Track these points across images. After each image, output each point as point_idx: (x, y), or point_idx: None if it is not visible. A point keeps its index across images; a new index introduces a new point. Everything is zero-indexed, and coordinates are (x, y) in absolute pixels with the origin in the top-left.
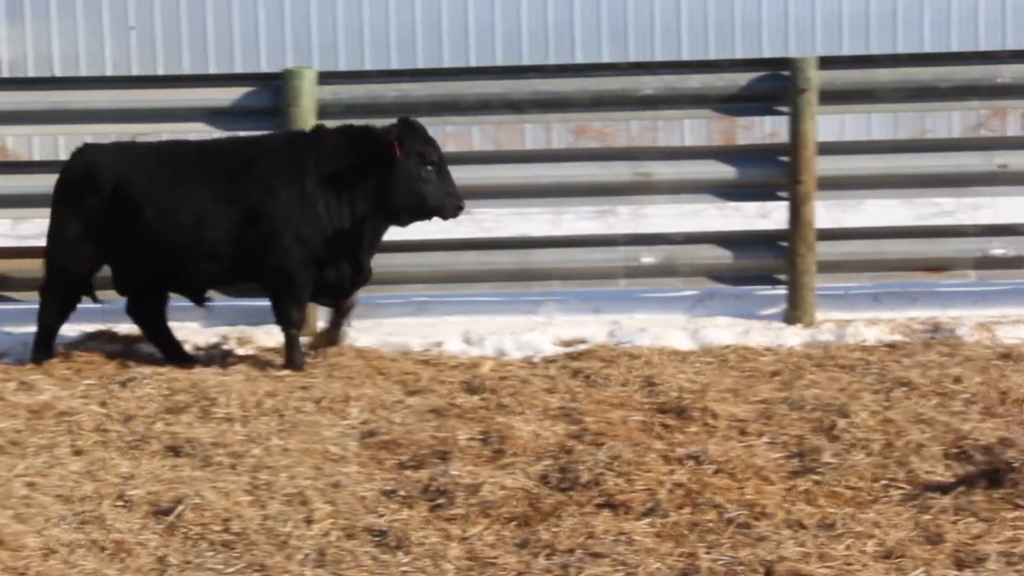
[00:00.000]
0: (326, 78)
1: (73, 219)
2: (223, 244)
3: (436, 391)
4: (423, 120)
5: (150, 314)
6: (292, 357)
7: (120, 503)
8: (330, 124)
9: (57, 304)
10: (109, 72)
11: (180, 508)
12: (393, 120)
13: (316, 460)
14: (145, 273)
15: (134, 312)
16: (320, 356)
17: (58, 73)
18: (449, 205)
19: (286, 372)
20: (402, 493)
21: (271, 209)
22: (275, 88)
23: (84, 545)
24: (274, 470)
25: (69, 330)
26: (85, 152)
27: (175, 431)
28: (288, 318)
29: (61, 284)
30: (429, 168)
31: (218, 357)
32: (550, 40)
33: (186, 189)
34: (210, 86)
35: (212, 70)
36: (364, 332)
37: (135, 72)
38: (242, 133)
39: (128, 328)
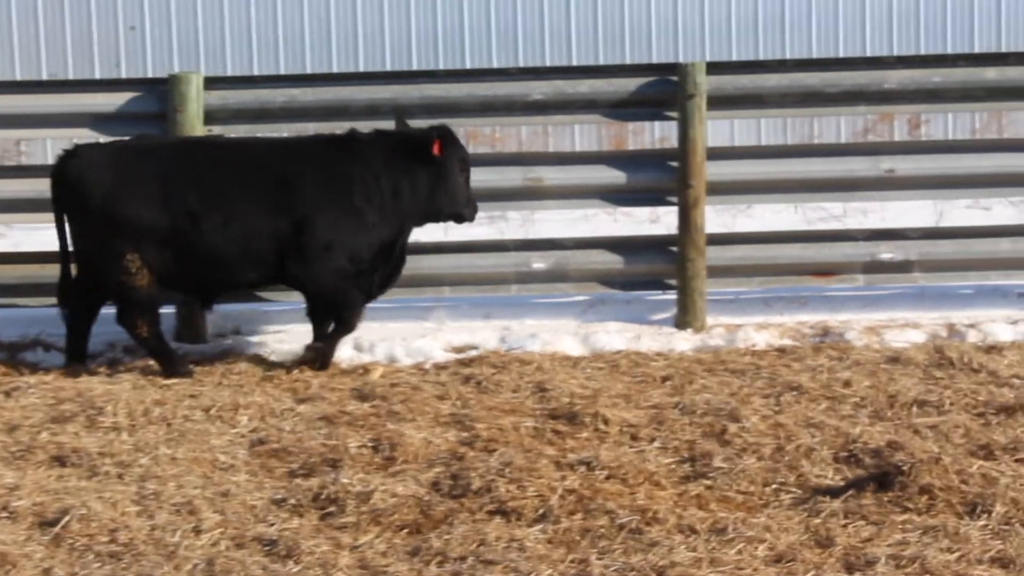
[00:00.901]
0: (213, 83)
1: None
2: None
3: (326, 398)
4: (311, 126)
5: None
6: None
7: (5, 514)
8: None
9: None
10: None
11: (66, 519)
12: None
13: (205, 469)
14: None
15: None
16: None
17: None
18: (472, 210)
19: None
20: (292, 502)
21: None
22: (161, 93)
23: None
24: (162, 479)
25: None
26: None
27: (61, 441)
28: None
29: None
30: (464, 174)
31: (105, 365)
32: (440, 44)
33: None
34: (95, 91)
35: (97, 75)
36: (253, 339)
37: (18, 77)
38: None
39: (10, 335)
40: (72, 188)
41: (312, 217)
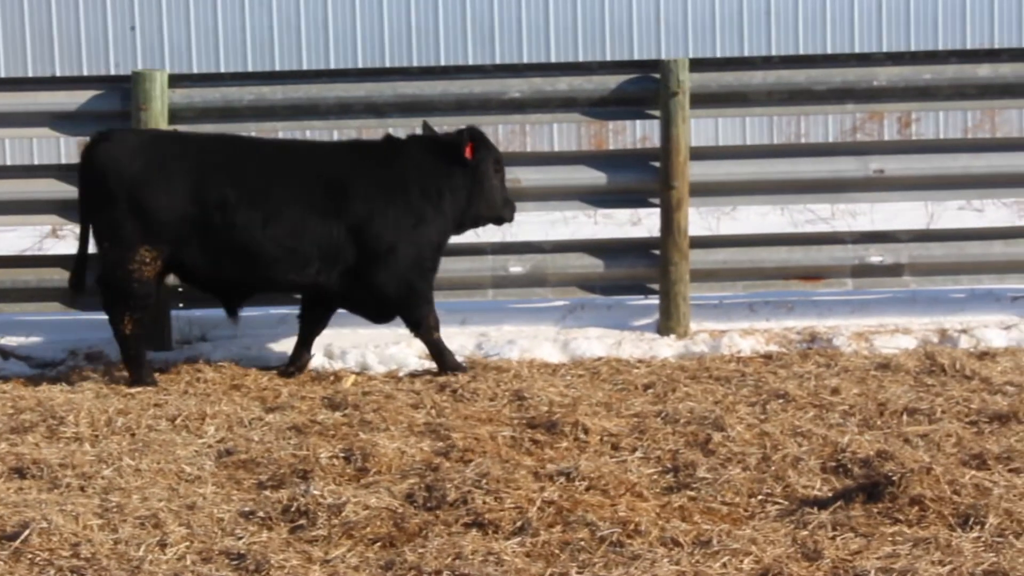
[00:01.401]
0: (177, 81)
1: None
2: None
3: (296, 407)
4: (279, 125)
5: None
6: (445, 361)
7: None
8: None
9: None
10: None
11: (26, 533)
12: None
13: (170, 481)
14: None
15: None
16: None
17: None
18: (510, 211)
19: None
20: (261, 514)
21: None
22: (124, 92)
23: None
24: (126, 492)
25: None
26: None
27: (20, 452)
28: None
29: None
30: (500, 175)
31: (66, 373)
32: (413, 41)
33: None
34: (56, 89)
35: (58, 72)
36: (220, 346)
37: None
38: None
39: None
40: (100, 173)
41: (368, 222)
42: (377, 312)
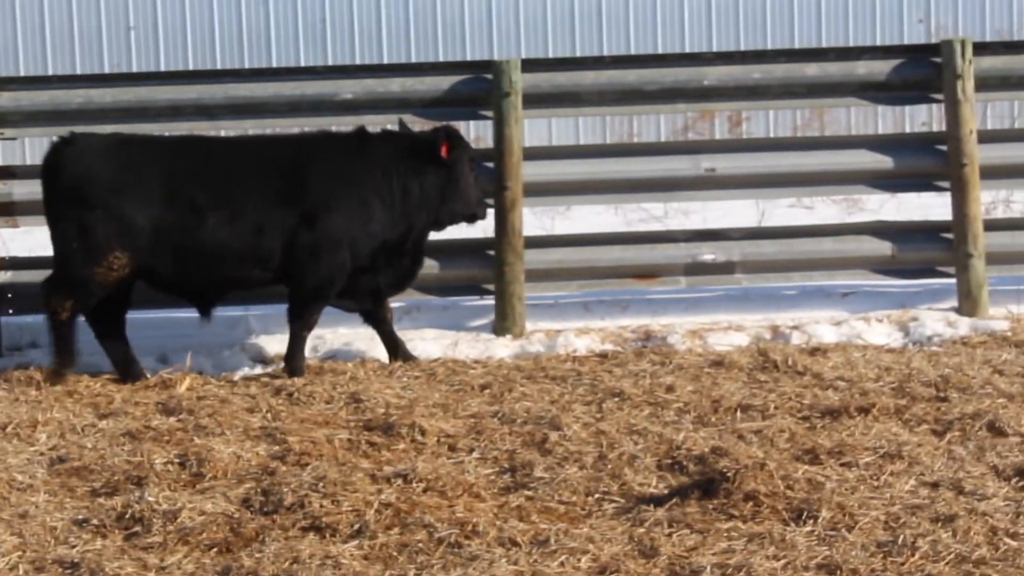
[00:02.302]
0: (5, 84)
1: None
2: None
3: (130, 413)
4: (110, 128)
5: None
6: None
7: None
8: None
9: None
10: None
11: None
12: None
13: (1, 490)
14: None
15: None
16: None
17: None
18: (483, 209)
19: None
20: (95, 522)
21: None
22: None
23: None
24: None
25: None
26: None
27: None
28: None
29: None
30: (474, 172)
31: None
32: (245, 42)
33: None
34: None
35: None
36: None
37: None
38: None
39: None
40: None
41: (318, 213)
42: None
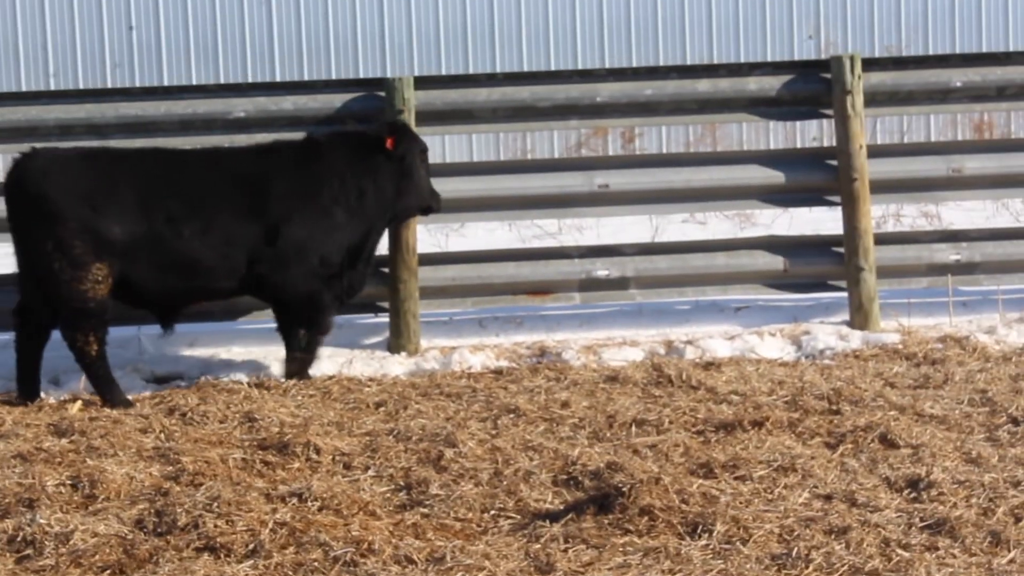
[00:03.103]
0: None
1: None
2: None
3: (21, 435)
4: None
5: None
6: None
7: None
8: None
9: None
10: None
11: None
12: None
13: None
14: None
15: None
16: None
17: None
18: (437, 201)
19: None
20: None
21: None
22: None
23: None
24: None
25: None
26: None
27: None
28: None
29: None
30: (425, 165)
31: None
32: (136, 61)
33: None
34: None
35: None
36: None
37: None
38: None
39: None
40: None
41: (284, 222)
42: (281, 314)
